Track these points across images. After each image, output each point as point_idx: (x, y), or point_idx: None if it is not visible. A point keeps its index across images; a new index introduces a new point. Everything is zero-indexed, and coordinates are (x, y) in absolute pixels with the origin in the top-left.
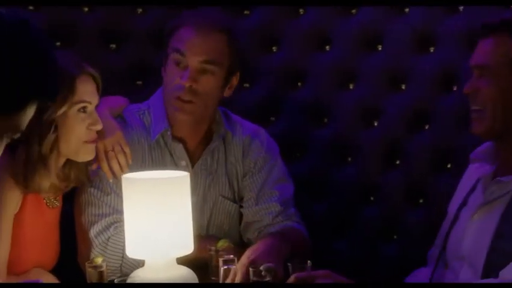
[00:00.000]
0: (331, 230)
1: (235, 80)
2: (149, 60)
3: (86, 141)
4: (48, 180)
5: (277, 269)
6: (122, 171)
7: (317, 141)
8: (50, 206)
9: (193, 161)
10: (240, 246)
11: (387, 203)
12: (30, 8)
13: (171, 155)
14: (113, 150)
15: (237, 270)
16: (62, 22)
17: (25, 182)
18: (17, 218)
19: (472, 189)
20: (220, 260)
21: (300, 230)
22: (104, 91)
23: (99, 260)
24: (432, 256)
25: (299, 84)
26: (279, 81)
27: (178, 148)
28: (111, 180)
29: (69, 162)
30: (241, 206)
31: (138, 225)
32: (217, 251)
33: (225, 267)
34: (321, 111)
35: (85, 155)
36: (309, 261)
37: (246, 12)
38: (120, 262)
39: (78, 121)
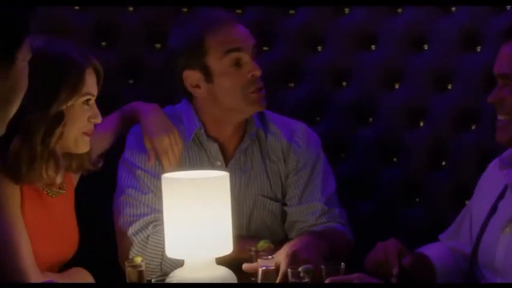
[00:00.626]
0: (375, 230)
1: None
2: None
3: (84, 133)
4: (53, 172)
5: (317, 264)
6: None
7: (362, 141)
8: (53, 196)
9: (227, 160)
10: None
11: (432, 203)
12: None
13: (207, 154)
14: (171, 147)
15: (281, 262)
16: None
17: (25, 176)
18: None
19: (501, 196)
20: (260, 261)
21: (343, 232)
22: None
23: (138, 260)
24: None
25: (344, 83)
26: (324, 80)
27: (214, 147)
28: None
29: (68, 152)
30: (284, 204)
31: (177, 225)
32: (257, 252)
33: (264, 267)
34: (366, 111)
35: (83, 146)
36: (342, 263)
37: (291, 11)
38: (160, 261)
39: (81, 113)
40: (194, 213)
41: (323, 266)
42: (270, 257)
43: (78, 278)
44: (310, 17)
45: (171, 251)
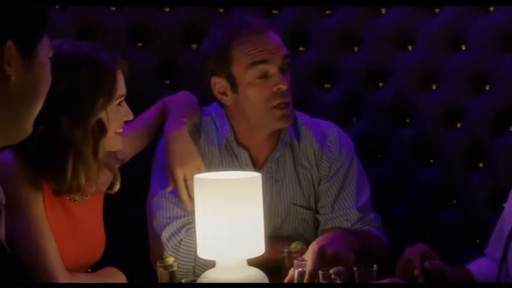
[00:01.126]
0: (412, 233)
1: None
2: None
3: (117, 133)
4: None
5: (347, 257)
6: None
7: (398, 142)
8: (76, 201)
9: (258, 167)
10: None
11: (470, 206)
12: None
13: (238, 161)
14: (192, 179)
15: (307, 258)
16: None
17: (68, 189)
18: None
19: None
20: (294, 262)
21: (378, 236)
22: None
23: (170, 260)
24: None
25: (381, 84)
26: (361, 81)
27: (244, 154)
28: (189, 208)
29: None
30: (317, 212)
31: (209, 226)
32: (289, 253)
33: (299, 269)
34: (403, 112)
35: (116, 145)
36: (375, 265)
37: (327, 12)
38: (193, 264)
39: (116, 115)
40: (226, 214)
41: (355, 268)
42: (304, 258)
43: (109, 278)
44: (347, 17)
45: (203, 252)
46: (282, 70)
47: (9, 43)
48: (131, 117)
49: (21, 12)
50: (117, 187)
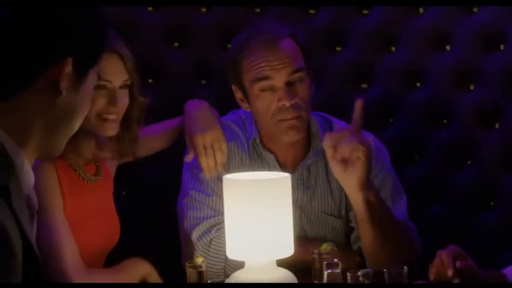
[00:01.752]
0: (448, 234)
1: (312, 75)
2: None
3: (103, 118)
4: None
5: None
6: (217, 169)
7: (436, 143)
8: (89, 182)
9: (286, 172)
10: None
11: (508, 208)
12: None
13: (266, 164)
14: (211, 146)
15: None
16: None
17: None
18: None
19: None
20: (324, 264)
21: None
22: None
23: (199, 260)
24: None
25: (418, 84)
26: (398, 81)
27: (270, 157)
28: (208, 177)
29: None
30: (349, 221)
31: (238, 226)
32: (320, 254)
33: (329, 271)
34: (440, 112)
35: (104, 130)
36: (405, 267)
37: (364, 11)
38: (223, 264)
39: (95, 97)
40: (255, 214)
41: (385, 270)
42: (335, 259)
43: (131, 269)
44: (384, 17)
45: (231, 253)
46: (289, 84)
47: (69, 60)
48: (114, 107)
49: (87, 33)
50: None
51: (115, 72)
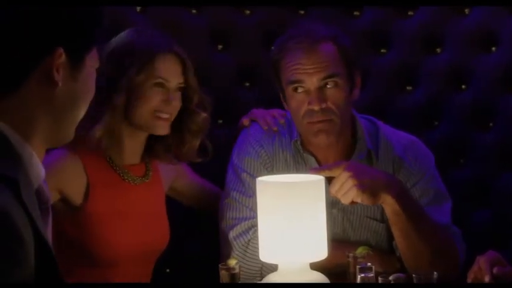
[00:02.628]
0: (494, 239)
1: (358, 80)
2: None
3: (157, 117)
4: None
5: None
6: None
7: (481, 145)
8: (134, 183)
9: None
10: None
11: None
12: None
13: (307, 166)
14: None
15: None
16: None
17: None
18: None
19: None
20: (358, 268)
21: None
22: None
23: (233, 262)
24: None
25: (463, 86)
26: (443, 83)
27: (312, 161)
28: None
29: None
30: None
31: (271, 229)
32: (355, 258)
33: (362, 275)
34: (486, 115)
35: (157, 129)
36: (435, 273)
37: (410, 13)
38: (260, 265)
39: (152, 94)
40: (288, 217)
41: (414, 275)
42: (368, 264)
43: None
44: (429, 17)
45: (265, 255)
46: (321, 88)
47: (60, 50)
48: (169, 105)
49: (74, 21)
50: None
51: (173, 72)
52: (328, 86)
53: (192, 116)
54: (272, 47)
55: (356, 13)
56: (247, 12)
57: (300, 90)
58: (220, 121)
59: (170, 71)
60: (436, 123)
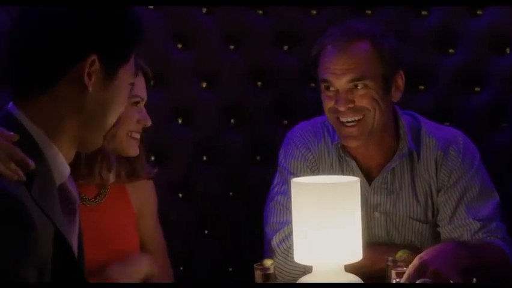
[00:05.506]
0: None
1: (400, 81)
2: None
3: (132, 137)
4: (107, 172)
5: (448, 276)
6: None
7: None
8: (85, 204)
9: (371, 176)
10: None
11: None
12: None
13: (349, 169)
14: None
15: (407, 270)
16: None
17: (83, 175)
18: None
19: None
20: (393, 272)
21: (500, 247)
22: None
23: (268, 263)
24: None
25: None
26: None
27: (352, 163)
28: None
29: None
30: (436, 225)
31: (306, 230)
32: (394, 262)
33: (398, 279)
34: (501, 116)
35: (131, 149)
36: (474, 279)
37: (478, 12)
38: (303, 270)
39: (130, 114)
40: (323, 218)
41: (451, 282)
42: (404, 268)
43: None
44: (498, 18)
45: (300, 257)
46: (350, 90)
47: (93, 57)
48: (148, 123)
49: (112, 31)
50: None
51: (143, 88)
52: (358, 87)
53: None
54: None
55: (424, 12)
56: (314, 12)
57: (331, 88)
58: (285, 122)
59: (141, 87)
60: (504, 125)
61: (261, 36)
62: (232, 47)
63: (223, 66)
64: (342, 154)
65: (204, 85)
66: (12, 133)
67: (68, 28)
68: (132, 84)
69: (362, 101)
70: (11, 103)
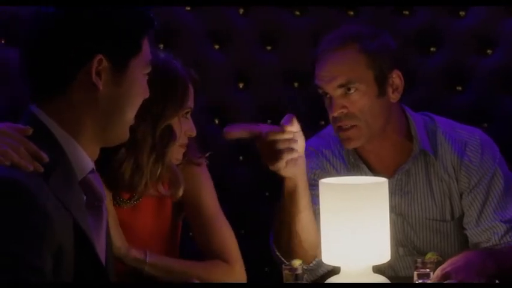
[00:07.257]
0: None
1: (397, 80)
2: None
3: (180, 145)
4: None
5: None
6: None
7: None
8: (118, 205)
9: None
10: None
11: None
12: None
13: (361, 173)
14: None
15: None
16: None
17: (127, 184)
18: None
19: None
20: (415, 274)
21: None
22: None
23: (297, 263)
24: None
25: None
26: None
27: (364, 168)
28: None
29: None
30: (464, 228)
31: (334, 232)
32: (423, 263)
33: (420, 281)
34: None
35: (177, 156)
36: (496, 281)
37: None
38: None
39: (184, 125)
40: (351, 219)
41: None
42: (427, 270)
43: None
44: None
45: (327, 258)
46: (342, 95)
47: (99, 56)
48: (193, 133)
49: (116, 29)
50: (178, 194)
51: (193, 99)
52: (350, 92)
53: None
54: None
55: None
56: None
57: (327, 95)
58: (322, 122)
59: (192, 99)
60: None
61: (296, 37)
62: (268, 47)
63: (258, 66)
64: (353, 160)
65: (241, 85)
66: (27, 126)
67: (69, 33)
68: (148, 74)
69: (354, 106)
70: (34, 104)
